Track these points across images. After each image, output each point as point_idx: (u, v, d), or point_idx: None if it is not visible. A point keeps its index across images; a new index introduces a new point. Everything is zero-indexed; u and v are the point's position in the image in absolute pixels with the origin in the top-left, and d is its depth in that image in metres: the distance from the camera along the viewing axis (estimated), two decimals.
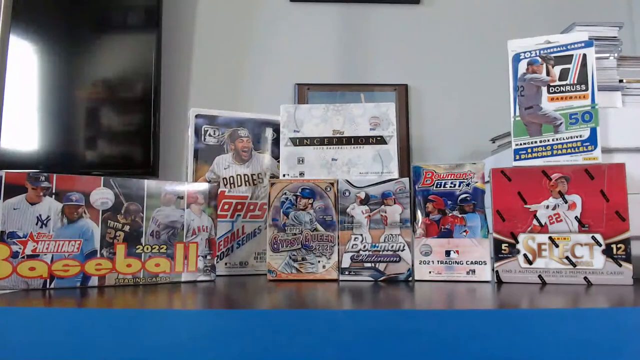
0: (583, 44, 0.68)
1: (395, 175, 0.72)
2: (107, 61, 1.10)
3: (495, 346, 0.28)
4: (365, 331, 0.33)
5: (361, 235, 0.66)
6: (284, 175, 0.73)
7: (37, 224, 0.56)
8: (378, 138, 0.73)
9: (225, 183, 0.78)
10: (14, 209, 0.55)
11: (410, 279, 0.65)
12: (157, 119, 1.11)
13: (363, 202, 0.66)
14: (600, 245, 0.60)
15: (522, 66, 0.70)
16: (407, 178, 0.67)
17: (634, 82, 0.75)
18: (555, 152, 0.67)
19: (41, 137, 1.06)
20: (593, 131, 0.66)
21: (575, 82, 0.68)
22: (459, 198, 0.65)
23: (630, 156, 0.68)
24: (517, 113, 0.70)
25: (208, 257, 0.66)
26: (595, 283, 0.60)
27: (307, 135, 0.74)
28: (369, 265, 0.65)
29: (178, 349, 0.29)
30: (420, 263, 0.65)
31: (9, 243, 0.54)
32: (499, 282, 0.63)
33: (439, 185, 0.66)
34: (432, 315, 0.38)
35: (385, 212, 0.66)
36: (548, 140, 0.68)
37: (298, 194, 0.67)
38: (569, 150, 0.67)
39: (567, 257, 0.61)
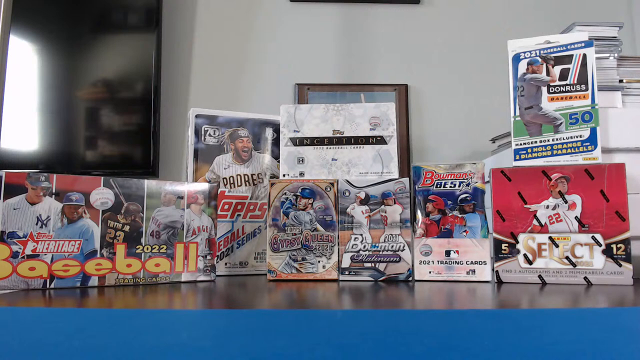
0: (583, 44, 0.68)
1: (395, 175, 0.72)
2: (107, 61, 1.10)
3: (495, 346, 0.28)
4: (365, 331, 0.33)
5: (361, 235, 0.66)
6: (284, 175, 0.73)
7: (37, 224, 0.56)
8: (378, 138, 0.73)
9: (225, 183, 0.78)
10: (14, 209, 0.55)
11: (410, 279, 0.65)
12: (157, 119, 1.11)
13: (363, 202, 0.66)
14: (600, 245, 0.60)
15: (522, 66, 0.70)
16: (407, 178, 0.67)
17: (634, 82, 0.75)
18: (555, 152, 0.67)
19: (41, 137, 1.06)
20: (593, 131, 0.66)
21: (575, 82, 0.68)
22: (459, 198, 0.65)
23: (630, 156, 0.69)
24: (517, 113, 0.70)
25: (208, 257, 0.66)
26: (595, 283, 0.60)
27: (307, 135, 0.74)
28: (369, 265, 0.65)
29: (178, 349, 0.29)
30: (420, 263, 0.65)
31: (9, 243, 0.54)
32: (499, 282, 0.63)
33: (439, 185, 0.66)
34: (432, 315, 0.38)
35: (385, 212, 0.66)
36: (548, 140, 0.68)
37: (298, 194, 0.67)
38: (569, 150, 0.67)
39: (567, 257, 0.61)
